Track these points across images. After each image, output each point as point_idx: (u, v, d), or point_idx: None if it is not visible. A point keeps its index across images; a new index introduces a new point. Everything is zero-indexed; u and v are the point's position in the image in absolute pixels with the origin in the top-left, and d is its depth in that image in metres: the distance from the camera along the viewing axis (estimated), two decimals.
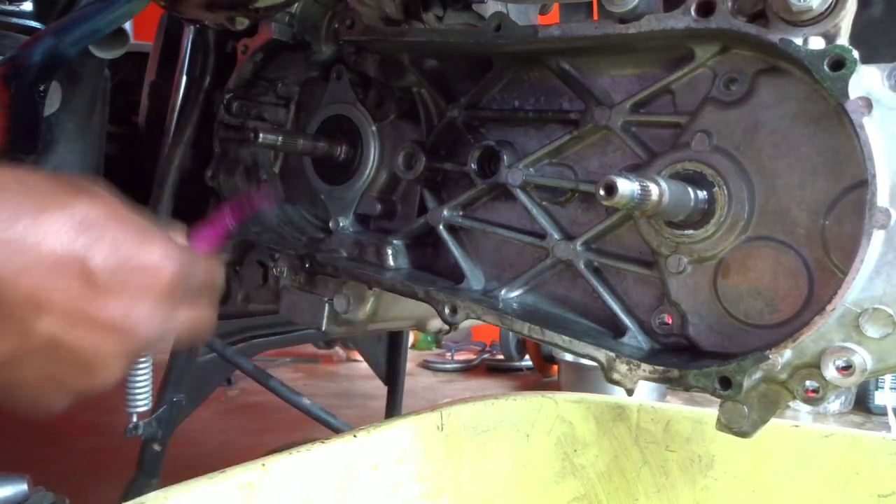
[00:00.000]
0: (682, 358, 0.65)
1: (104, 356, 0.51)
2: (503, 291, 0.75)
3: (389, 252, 0.83)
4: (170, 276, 0.53)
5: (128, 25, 0.99)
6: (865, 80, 0.54)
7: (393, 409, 1.79)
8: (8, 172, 0.47)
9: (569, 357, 2.84)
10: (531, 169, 0.74)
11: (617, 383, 0.64)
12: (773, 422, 0.78)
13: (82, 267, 0.48)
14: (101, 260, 0.49)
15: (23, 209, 0.46)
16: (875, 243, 0.54)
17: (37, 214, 0.47)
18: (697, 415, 0.90)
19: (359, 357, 3.18)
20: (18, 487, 0.86)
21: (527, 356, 3.52)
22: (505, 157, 0.75)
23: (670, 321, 0.67)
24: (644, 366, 0.63)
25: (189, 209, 1.02)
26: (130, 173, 1.18)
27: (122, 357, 0.52)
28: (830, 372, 0.56)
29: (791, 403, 0.60)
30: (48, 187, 0.48)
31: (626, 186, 0.54)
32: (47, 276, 0.47)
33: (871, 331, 0.55)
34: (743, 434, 0.61)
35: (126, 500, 0.59)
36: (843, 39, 0.56)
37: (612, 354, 0.65)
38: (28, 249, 0.46)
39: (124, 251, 0.51)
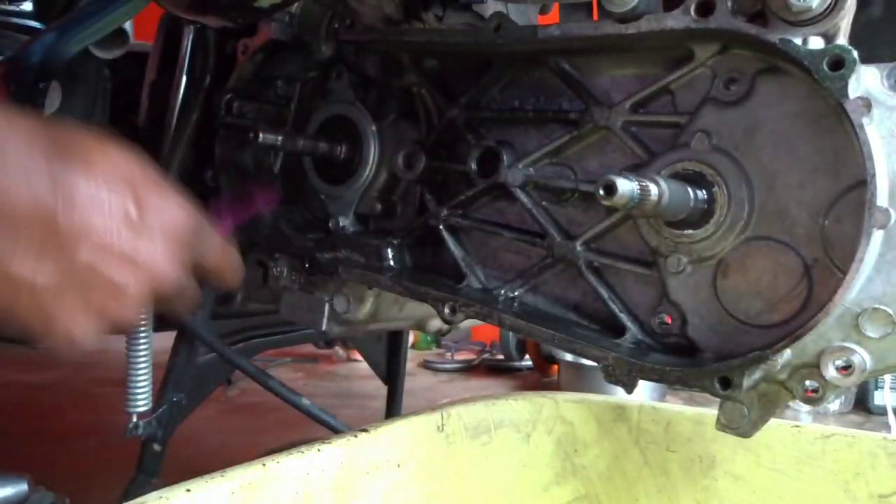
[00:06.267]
0: (682, 358, 0.65)
1: (131, 287, 0.57)
2: (503, 291, 0.75)
3: (389, 252, 0.83)
4: (190, 224, 0.62)
5: (128, 25, 1.00)
6: (865, 79, 0.54)
7: (393, 409, 1.79)
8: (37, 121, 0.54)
9: (569, 357, 2.84)
10: (531, 169, 0.74)
11: (617, 383, 0.64)
12: (774, 422, 0.78)
13: (125, 204, 0.56)
14: (139, 200, 0.57)
15: (74, 147, 0.54)
16: (874, 243, 0.54)
17: (87, 153, 0.55)
18: (698, 415, 0.90)
19: (359, 357, 3.18)
20: (18, 487, 0.86)
21: (527, 356, 3.52)
22: (505, 157, 0.75)
23: (670, 321, 0.67)
24: (644, 366, 0.63)
25: None
26: None
27: (143, 290, 0.58)
28: (830, 372, 0.56)
29: (791, 403, 0.60)
30: (80, 130, 0.57)
31: (626, 186, 0.54)
32: (97, 213, 0.54)
33: (871, 330, 0.55)
34: (743, 434, 0.61)
35: (126, 500, 0.59)
36: (842, 39, 0.56)
37: (613, 354, 0.65)
38: (83, 191, 0.53)
39: (155, 195, 0.58)
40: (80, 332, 0.57)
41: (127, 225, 0.56)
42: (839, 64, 0.54)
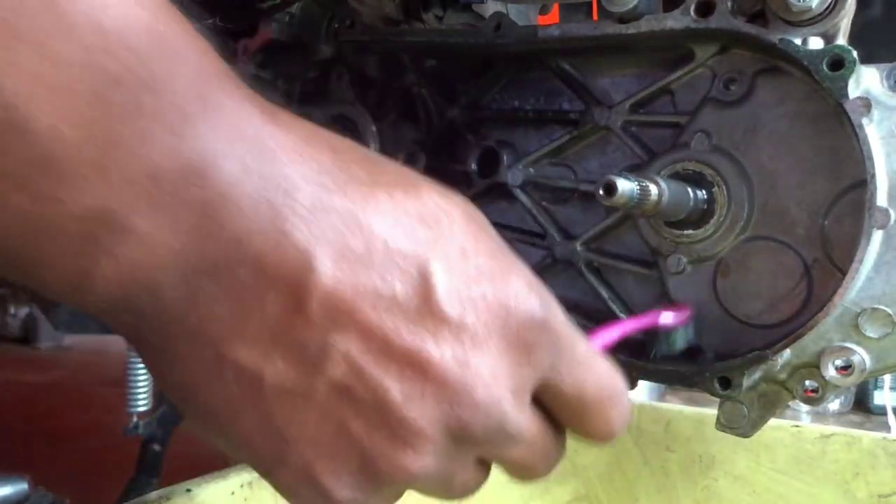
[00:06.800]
0: (682, 358, 0.65)
1: (418, 421, 0.32)
2: None
3: None
4: (537, 318, 0.36)
5: None
6: (864, 80, 0.54)
7: None
8: (343, 140, 0.34)
9: None
10: (531, 169, 0.74)
11: None
12: (774, 422, 0.78)
13: (421, 271, 0.32)
14: (451, 269, 0.33)
15: (358, 178, 0.32)
16: (874, 243, 0.54)
17: (370, 188, 0.32)
18: (698, 415, 0.90)
19: None
20: (18, 487, 0.86)
21: None
22: (505, 157, 0.75)
23: None
24: (644, 365, 0.63)
25: None
26: None
27: (442, 433, 0.32)
28: (830, 372, 0.56)
29: (791, 403, 0.60)
30: (388, 163, 0.35)
31: (626, 186, 0.54)
32: (377, 278, 0.31)
33: (871, 331, 0.55)
34: (743, 434, 0.61)
35: (126, 500, 0.59)
36: (842, 39, 0.56)
37: (612, 354, 0.65)
38: (361, 233, 0.31)
39: (478, 267, 0.34)
40: (333, 483, 0.32)
41: (426, 307, 0.31)
42: (839, 64, 0.54)
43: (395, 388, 0.31)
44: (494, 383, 0.33)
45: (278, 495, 0.67)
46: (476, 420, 0.33)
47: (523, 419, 0.35)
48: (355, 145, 0.34)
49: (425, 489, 0.35)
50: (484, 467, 0.38)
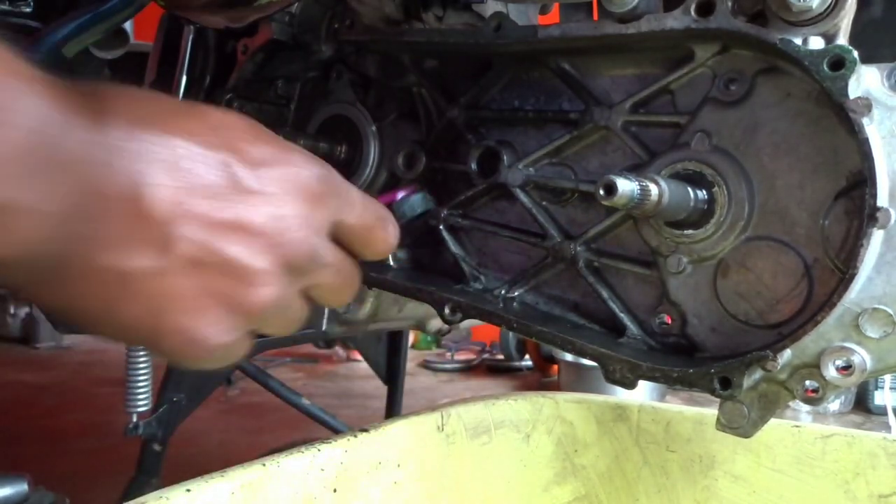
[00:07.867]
0: (682, 358, 0.65)
1: (257, 264, 0.46)
2: (503, 291, 0.75)
3: None
4: (318, 176, 0.50)
5: (128, 25, 1.00)
6: (865, 79, 0.54)
7: (393, 409, 1.79)
8: (130, 88, 0.46)
9: (569, 357, 2.84)
10: (531, 169, 0.74)
11: (617, 383, 0.64)
12: (774, 422, 0.78)
13: (226, 165, 0.45)
14: (244, 157, 0.46)
15: (155, 113, 0.44)
16: (875, 243, 0.54)
17: (169, 117, 0.44)
18: (698, 415, 0.90)
19: (359, 357, 3.18)
20: (18, 487, 0.86)
21: (527, 356, 3.52)
22: (505, 157, 0.75)
23: (670, 321, 0.67)
24: (644, 366, 0.63)
25: None
26: None
27: (276, 266, 0.47)
28: (830, 372, 0.56)
29: (791, 403, 0.60)
30: (170, 98, 0.48)
31: (626, 186, 0.54)
32: (190, 176, 0.43)
33: (871, 331, 0.55)
34: (743, 434, 0.61)
35: (126, 500, 0.59)
36: (842, 39, 0.56)
37: (613, 354, 0.65)
38: (167, 149, 0.43)
39: (267, 151, 0.48)
40: (210, 331, 0.45)
41: (235, 187, 0.45)
42: (839, 64, 0.54)
43: (234, 248, 0.45)
44: (301, 224, 0.48)
45: (279, 496, 0.67)
46: (296, 251, 0.47)
47: (329, 248, 0.51)
48: (140, 91, 0.47)
49: (271, 321, 0.48)
50: (306, 301, 0.52)
